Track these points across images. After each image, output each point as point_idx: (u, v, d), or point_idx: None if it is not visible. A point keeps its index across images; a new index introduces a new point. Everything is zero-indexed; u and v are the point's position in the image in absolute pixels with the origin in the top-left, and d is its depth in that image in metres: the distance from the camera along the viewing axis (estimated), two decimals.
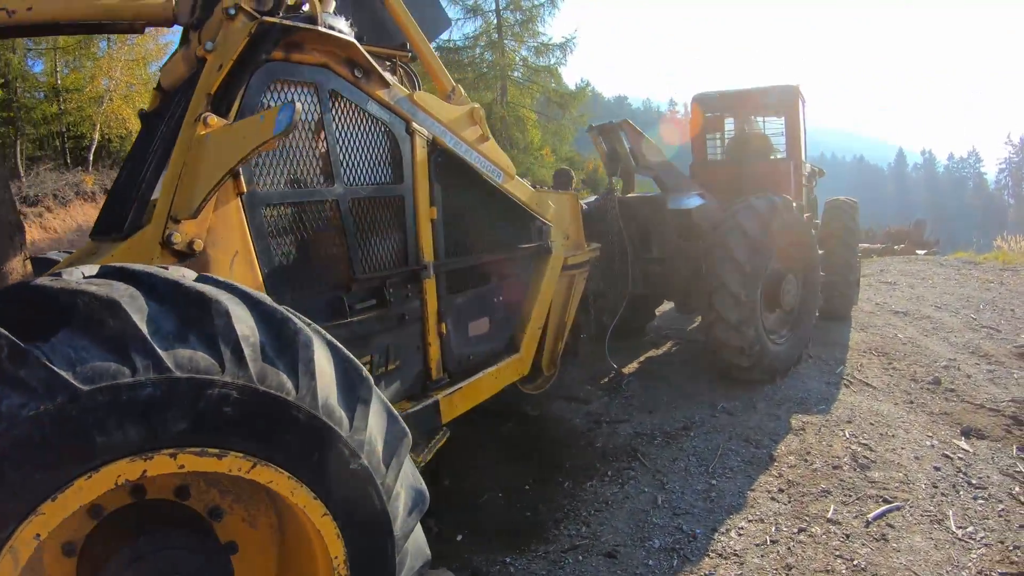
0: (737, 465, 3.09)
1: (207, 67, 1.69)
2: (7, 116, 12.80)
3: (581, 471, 3.06)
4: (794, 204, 4.24)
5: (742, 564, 2.34)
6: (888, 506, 2.70)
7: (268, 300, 1.24)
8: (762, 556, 2.38)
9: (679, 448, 3.25)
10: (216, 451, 1.08)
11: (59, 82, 14.32)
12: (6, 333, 0.91)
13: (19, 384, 0.91)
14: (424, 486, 1.49)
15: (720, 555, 2.39)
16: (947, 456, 3.15)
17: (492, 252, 2.73)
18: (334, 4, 1.98)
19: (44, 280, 1.07)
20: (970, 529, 2.52)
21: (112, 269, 1.18)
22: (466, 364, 2.59)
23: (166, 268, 1.20)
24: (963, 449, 3.23)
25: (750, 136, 5.83)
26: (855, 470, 3.02)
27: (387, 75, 2.15)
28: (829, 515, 2.65)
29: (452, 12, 16.13)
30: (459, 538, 2.45)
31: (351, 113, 2.01)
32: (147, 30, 2.20)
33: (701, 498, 2.79)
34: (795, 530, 2.56)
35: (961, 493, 2.80)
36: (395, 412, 1.43)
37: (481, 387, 2.61)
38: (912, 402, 3.87)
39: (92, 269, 1.20)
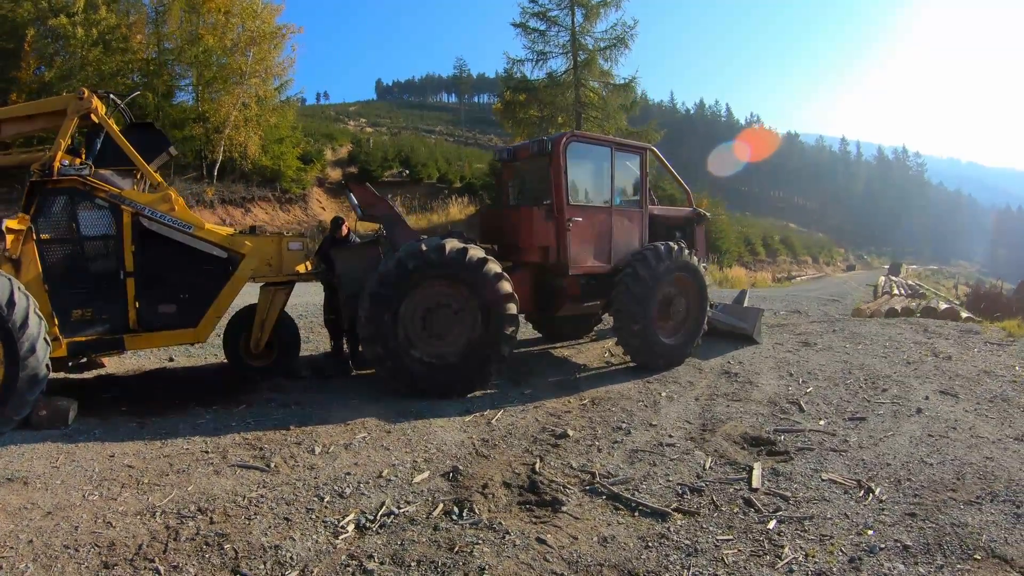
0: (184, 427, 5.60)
1: None
2: None
3: (239, 399, 6.50)
4: (449, 246, 6.48)
5: None
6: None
7: (4, 274, 5.32)
8: None
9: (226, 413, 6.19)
10: None
11: (200, 109, 22.33)
12: None
13: None
14: (38, 344, 5.36)
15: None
16: (384, 479, 4.48)
17: (175, 269, 6.47)
18: (80, 160, 6.09)
19: None
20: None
21: None
22: (154, 324, 6.38)
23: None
24: (417, 482, 4.45)
25: (525, 185, 8.53)
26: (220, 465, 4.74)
27: (114, 179, 6.21)
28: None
29: (527, 54, 21.35)
30: (123, 409, 6.27)
31: (88, 203, 6.08)
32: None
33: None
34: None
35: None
36: (31, 317, 5.30)
37: (157, 339, 6.44)
38: (487, 440, 5.40)
39: None
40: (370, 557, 3.48)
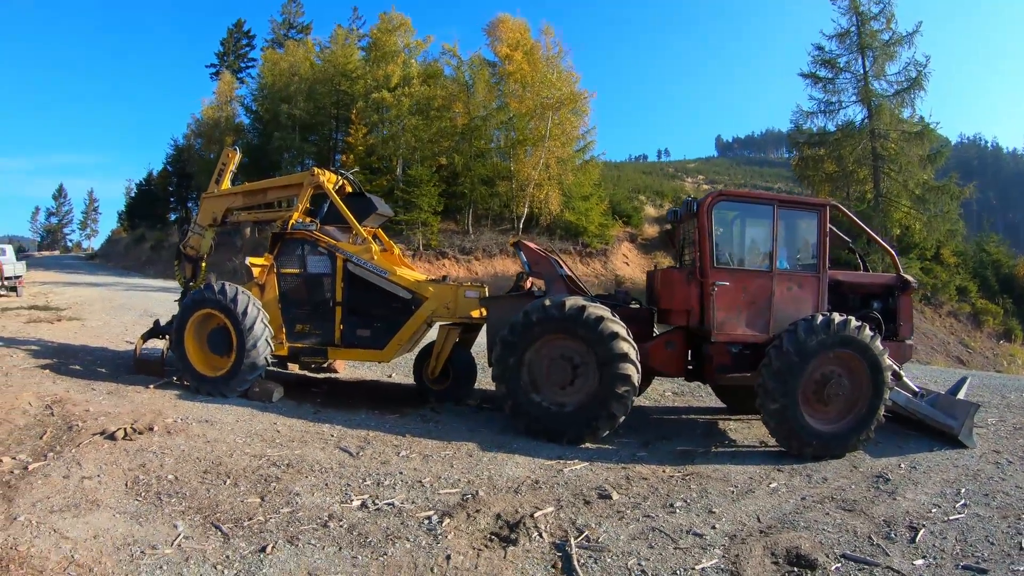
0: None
1: None
2: (463, 192, 26.89)
3: (402, 410, 8.96)
4: (569, 303, 7.59)
5: None
6: None
7: (247, 292, 8.88)
8: None
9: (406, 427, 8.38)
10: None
11: (512, 168, 27.57)
12: None
13: None
14: (260, 343, 8.68)
15: None
16: (420, 483, 6.30)
17: (371, 303, 9.32)
18: (308, 219, 9.40)
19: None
20: None
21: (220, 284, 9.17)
22: (352, 343, 9.33)
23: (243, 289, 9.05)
24: (441, 493, 6.05)
25: (687, 247, 9.08)
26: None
27: (335, 233, 9.40)
28: None
29: (816, 106, 21.02)
30: (317, 401, 9.28)
31: (313, 250, 9.39)
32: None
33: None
34: None
35: None
36: (258, 323, 8.69)
37: (353, 355, 9.43)
38: (536, 483, 6.29)
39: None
40: (339, 520, 5.12)
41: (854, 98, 22.79)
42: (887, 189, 21.42)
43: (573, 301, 7.72)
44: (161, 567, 4.23)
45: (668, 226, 10.75)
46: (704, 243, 7.89)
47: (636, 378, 7.64)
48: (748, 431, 9.03)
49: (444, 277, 10.07)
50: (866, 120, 22.07)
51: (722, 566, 4.75)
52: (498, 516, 5.42)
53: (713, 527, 5.46)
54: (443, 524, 5.16)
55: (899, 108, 21.86)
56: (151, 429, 6.79)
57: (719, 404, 10.39)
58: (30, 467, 5.74)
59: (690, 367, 8.66)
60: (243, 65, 54.79)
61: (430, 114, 27.66)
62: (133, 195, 66.90)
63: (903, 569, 4.88)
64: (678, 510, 5.82)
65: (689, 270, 8.15)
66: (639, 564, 4.70)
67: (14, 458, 5.96)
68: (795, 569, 4.80)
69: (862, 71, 22.26)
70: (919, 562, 5.04)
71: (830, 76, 23.01)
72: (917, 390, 8.60)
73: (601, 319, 7.57)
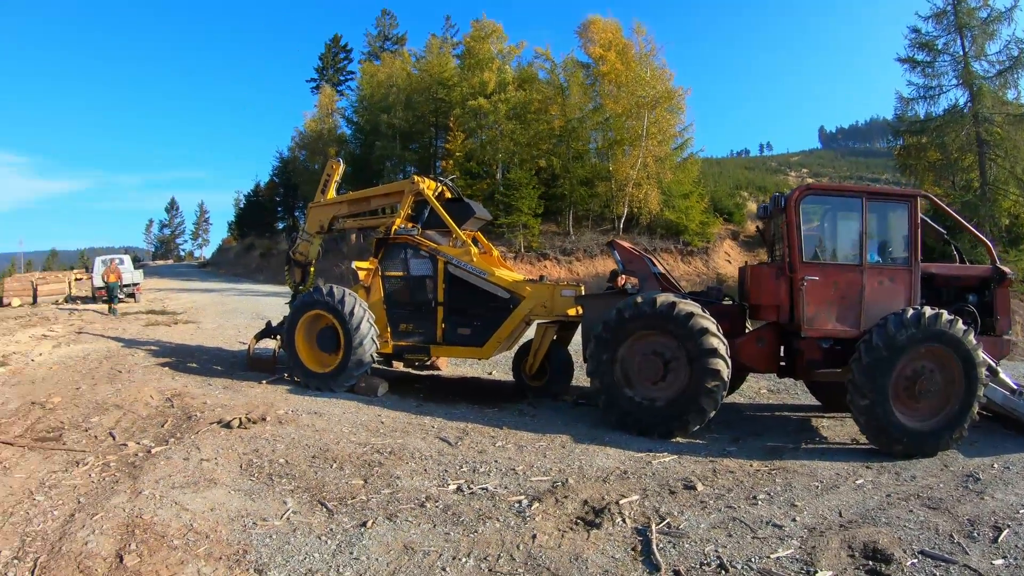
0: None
1: None
2: (563, 193, 26.91)
3: (501, 404, 9.22)
4: (660, 300, 7.63)
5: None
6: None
7: (354, 294, 9.49)
8: None
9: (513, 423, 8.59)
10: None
11: (610, 168, 27.39)
12: None
13: None
14: (366, 341, 9.24)
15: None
16: (514, 471, 6.28)
17: (471, 303, 9.65)
18: (410, 224, 9.87)
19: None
20: None
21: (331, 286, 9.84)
22: (453, 341, 9.72)
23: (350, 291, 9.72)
24: (532, 480, 6.08)
25: (776, 242, 8.78)
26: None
27: (436, 237, 9.84)
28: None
29: (915, 91, 19.43)
30: (420, 396, 9.71)
31: (415, 253, 9.86)
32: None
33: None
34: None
35: None
36: (364, 323, 9.29)
37: (453, 352, 9.82)
38: (624, 473, 6.33)
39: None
40: (435, 501, 5.41)
41: (954, 82, 21.24)
42: (994, 176, 19.94)
43: (664, 298, 7.73)
44: (271, 536, 4.68)
45: (759, 223, 10.49)
46: (793, 238, 7.75)
47: (726, 373, 7.55)
48: (841, 429, 8.66)
49: (541, 277, 10.25)
50: (968, 104, 20.50)
51: (797, 556, 4.69)
52: (585, 502, 5.54)
53: (793, 520, 5.37)
54: (532, 507, 5.33)
55: (1002, 90, 20.39)
56: (264, 419, 7.42)
57: (814, 402, 10.02)
58: (153, 451, 6.47)
59: (782, 363, 8.52)
60: (342, 78, 56.47)
61: (527, 118, 28.25)
62: (242, 206, 69.66)
63: (981, 568, 4.65)
64: (760, 502, 5.73)
65: (779, 265, 8.00)
66: (716, 551, 4.70)
67: (138, 443, 6.75)
68: (870, 563, 4.67)
69: (961, 52, 20.68)
70: (998, 562, 4.78)
71: (928, 60, 21.57)
72: (1016, 387, 7.91)
73: (691, 315, 7.54)
